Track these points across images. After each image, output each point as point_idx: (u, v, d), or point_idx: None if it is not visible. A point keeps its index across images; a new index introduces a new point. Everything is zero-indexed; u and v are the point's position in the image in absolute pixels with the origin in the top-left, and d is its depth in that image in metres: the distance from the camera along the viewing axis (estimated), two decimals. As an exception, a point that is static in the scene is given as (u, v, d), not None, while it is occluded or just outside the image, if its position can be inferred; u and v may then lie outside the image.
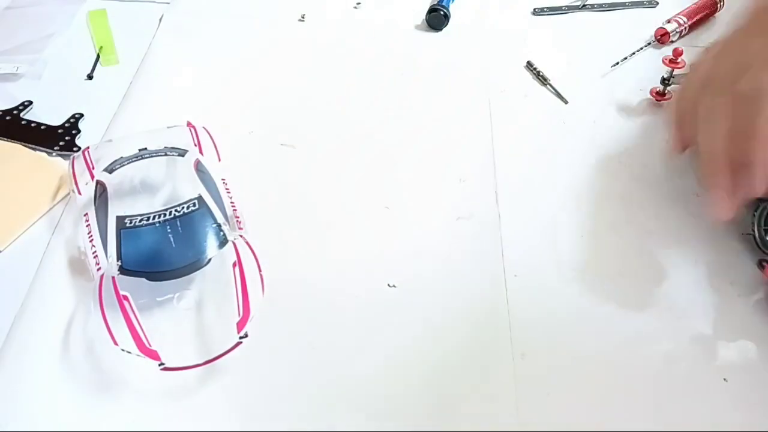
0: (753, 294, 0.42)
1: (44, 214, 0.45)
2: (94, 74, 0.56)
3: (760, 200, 0.42)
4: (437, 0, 0.62)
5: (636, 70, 0.58)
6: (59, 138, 0.50)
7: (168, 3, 0.63)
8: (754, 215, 0.43)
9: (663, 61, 0.52)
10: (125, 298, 0.37)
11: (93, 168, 0.44)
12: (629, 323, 0.41)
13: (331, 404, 0.37)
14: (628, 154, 0.50)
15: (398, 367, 0.38)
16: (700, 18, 0.62)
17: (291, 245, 0.44)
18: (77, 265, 0.42)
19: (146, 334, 0.36)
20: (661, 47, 0.60)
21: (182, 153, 0.45)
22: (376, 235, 0.45)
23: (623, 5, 0.65)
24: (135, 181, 0.45)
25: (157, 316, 0.39)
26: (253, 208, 0.44)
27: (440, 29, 0.62)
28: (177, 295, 0.40)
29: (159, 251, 0.39)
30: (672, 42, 0.60)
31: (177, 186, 0.45)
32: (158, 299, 0.40)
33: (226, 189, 0.44)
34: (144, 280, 0.38)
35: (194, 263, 0.39)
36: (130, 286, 0.38)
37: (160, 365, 0.35)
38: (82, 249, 0.41)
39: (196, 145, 0.47)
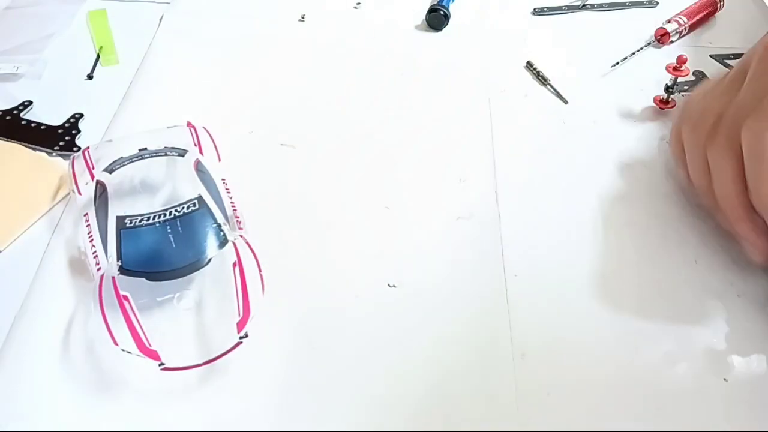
0: (753, 294, 0.42)
1: (44, 214, 0.45)
2: (94, 74, 0.56)
3: None
4: (437, 0, 0.62)
5: (636, 70, 0.58)
6: (59, 138, 0.50)
7: (168, 3, 0.63)
8: None
9: (667, 69, 0.52)
10: (125, 298, 0.37)
11: (93, 168, 0.44)
12: (629, 323, 0.41)
13: (331, 404, 0.37)
14: (628, 154, 0.50)
15: (398, 367, 0.38)
16: (700, 18, 0.62)
17: (291, 245, 0.44)
18: (77, 265, 0.42)
19: (146, 334, 0.36)
20: (661, 47, 0.60)
21: (182, 153, 0.45)
22: (376, 235, 0.45)
23: (623, 5, 0.65)
24: (135, 181, 0.45)
25: (157, 316, 0.39)
26: (253, 208, 0.44)
27: (440, 29, 0.62)
28: (177, 295, 0.40)
29: (159, 251, 0.39)
30: (672, 42, 0.60)
31: (177, 186, 0.45)
32: (158, 299, 0.40)
33: (226, 189, 0.44)
34: (144, 280, 0.38)
35: (194, 263, 0.39)
36: (130, 286, 0.38)
37: (160, 365, 0.35)
38: (82, 249, 0.41)
39: (196, 145, 0.47)
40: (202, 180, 0.43)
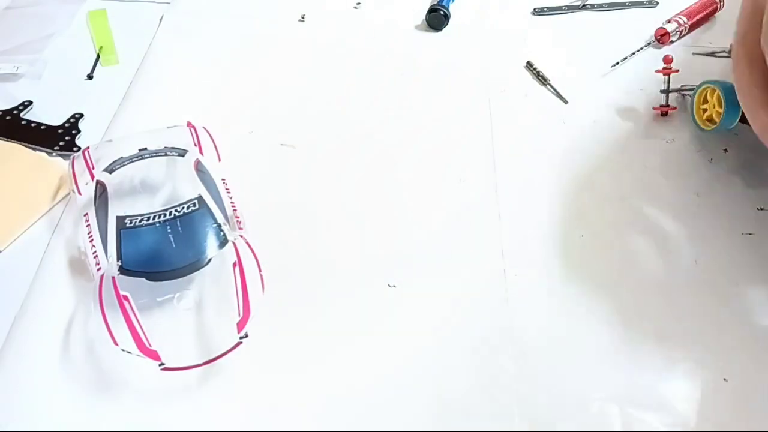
0: (753, 294, 0.42)
1: (44, 214, 0.45)
2: (94, 74, 0.56)
3: None
4: (437, 0, 0.62)
5: (636, 70, 0.57)
6: (59, 138, 0.50)
7: (168, 3, 0.63)
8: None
9: (658, 72, 0.53)
10: (125, 298, 0.37)
11: (93, 168, 0.44)
12: (629, 323, 0.41)
13: (330, 404, 0.37)
14: (628, 154, 0.50)
15: (398, 367, 0.38)
16: (700, 18, 0.62)
17: (291, 245, 0.44)
18: (77, 265, 0.42)
19: (146, 334, 0.36)
20: (662, 47, 0.60)
21: (182, 153, 0.45)
22: (376, 235, 0.45)
23: (623, 5, 0.65)
24: (135, 181, 0.45)
25: (157, 316, 0.39)
26: (253, 208, 0.44)
27: (440, 29, 0.62)
28: (177, 295, 0.40)
29: (159, 251, 0.39)
30: (672, 42, 0.60)
31: (177, 186, 0.45)
32: (158, 299, 0.40)
33: (226, 189, 0.44)
34: (144, 280, 0.38)
35: (194, 263, 0.39)
36: (130, 286, 0.38)
37: (160, 365, 0.35)
38: (82, 249, 0.41)
39: (196, 145, 0.47)
40: (202, 180, 0.43)
